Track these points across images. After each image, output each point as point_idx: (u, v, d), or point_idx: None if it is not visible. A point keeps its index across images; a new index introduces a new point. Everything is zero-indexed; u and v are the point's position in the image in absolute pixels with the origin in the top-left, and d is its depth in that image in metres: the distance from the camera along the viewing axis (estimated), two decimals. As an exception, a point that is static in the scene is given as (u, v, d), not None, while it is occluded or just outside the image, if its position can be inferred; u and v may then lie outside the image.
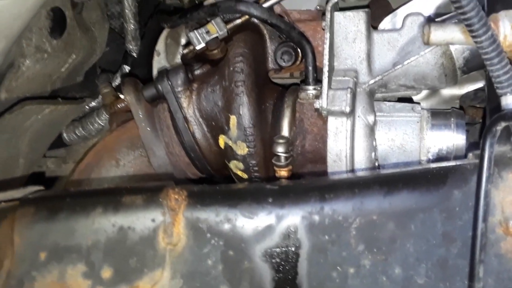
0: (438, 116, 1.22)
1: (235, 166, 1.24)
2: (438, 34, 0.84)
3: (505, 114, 0.74)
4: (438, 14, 1.23)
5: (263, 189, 0.87)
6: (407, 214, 0.83)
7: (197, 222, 0.84)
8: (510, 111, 0.74)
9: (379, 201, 0.83)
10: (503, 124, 0.74)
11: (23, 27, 1.04)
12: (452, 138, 1.21)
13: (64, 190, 1.04)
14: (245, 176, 1.25)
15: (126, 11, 1.54)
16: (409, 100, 1.34)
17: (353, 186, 0.85)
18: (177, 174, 1.32)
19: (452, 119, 1.22)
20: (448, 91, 1.45)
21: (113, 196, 0.85)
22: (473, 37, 0.78)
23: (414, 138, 1.20)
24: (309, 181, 0.97)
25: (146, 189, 0.87)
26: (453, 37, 0.84)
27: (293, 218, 0.85)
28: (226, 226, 0.85)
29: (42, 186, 0.91)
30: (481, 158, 0.74)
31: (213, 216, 0.84)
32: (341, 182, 0.90)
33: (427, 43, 0.89)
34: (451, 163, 0.87)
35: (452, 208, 0.82)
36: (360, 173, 1.07)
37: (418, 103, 1.26)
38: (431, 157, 1.21)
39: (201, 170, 1.32)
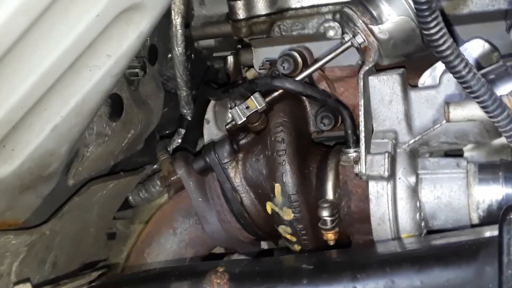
0: (486, 169, 1.20)
1: (284, 231, 1.29)
2: (458, 112, 0.86)
3: (516, 204, 0.74)
4: (477, 67, 1.22)
5: (298, 270, 0.92)
6: (440, 293, 0.84)
7: (237, 307, 0.90)
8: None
9: (411, 279, 0.85)
10: (516, 214, 0.74)
11: (83, 130, 1.14)
12: (502, 192, 1.18)
13: (122, 276, 1.13)
14: (293, 239, 1.30)
15: (178, 80, 1.62)
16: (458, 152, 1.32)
17: (384, 264, 0.87)
18: (230, 238, 1.39)
19: (501, 173, 1.19)
20: (498, 140, 1.41)
21: (163, 283, 0.93)
22: (490, 117, 0.80)
23: (461, 195, 1.18)
24: (343, 256, 1.00)
25: (192, 273, 0.94)
26: (473, 114, 0.85)
27: (327, 299, 0.89)
28: (265, 309, 0.89)
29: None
30: (500, 244, 0.75)
31: (252, 300, 0.90)
32: (373, 259, 0.92)
33: (448, 121, 0.91)
34: (485, 235, 0.88)
35: (485, 285, 0.82)
36: (405, 243, 1.07)
37: (465, 158, 1.24)
38: (481, 213, 1.18)
39: (252, 234, 1.38)
